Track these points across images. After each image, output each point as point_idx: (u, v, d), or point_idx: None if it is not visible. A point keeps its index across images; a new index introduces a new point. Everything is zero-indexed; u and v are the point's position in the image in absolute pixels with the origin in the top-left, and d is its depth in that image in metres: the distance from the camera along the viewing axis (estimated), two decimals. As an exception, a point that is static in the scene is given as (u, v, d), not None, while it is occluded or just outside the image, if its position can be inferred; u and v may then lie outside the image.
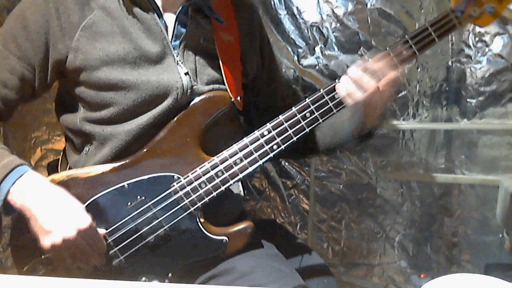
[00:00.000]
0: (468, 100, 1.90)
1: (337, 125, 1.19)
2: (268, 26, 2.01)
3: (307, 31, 1.98)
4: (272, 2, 1.99)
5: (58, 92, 1.19)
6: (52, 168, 1.24)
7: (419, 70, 1.94)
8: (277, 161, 2.12)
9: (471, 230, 2.00)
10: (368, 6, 1.91)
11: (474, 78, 1.89)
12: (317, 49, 1.99)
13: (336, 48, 1.98)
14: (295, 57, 2.01)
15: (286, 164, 2.12)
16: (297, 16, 1.98)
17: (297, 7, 1.98)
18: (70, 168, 1.17)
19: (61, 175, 1.08)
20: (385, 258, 2.12)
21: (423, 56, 1.92)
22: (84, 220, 1.00)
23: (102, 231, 1.05)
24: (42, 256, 1.07)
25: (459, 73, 1.90)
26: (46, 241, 0.99)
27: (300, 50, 2.01)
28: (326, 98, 1.05)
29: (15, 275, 0.91)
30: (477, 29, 1.85)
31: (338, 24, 1.95)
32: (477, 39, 1.86)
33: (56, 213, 0.98)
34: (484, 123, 1.90)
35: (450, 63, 1.91)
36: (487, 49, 1.86)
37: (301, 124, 1.06)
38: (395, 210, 2.06)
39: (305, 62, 2.01)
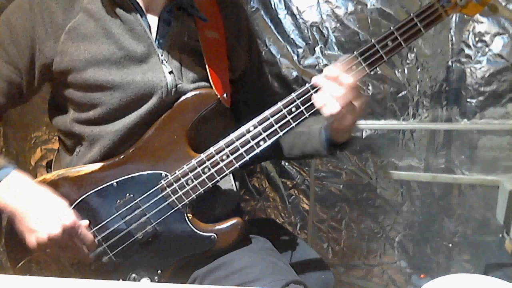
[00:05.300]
0: (468, 100, 1.91)
1: (307, 136, 1.20)
2: (268, 26, 2.01)
3: (307, 31, 1.99)
4: (272, 2, 2.00)
5: (50, 95, 1.21)
6: (50, 168, 1.25)
7: (419, 70, 1.94)
8: (277, 161, 2.12)
9: (471, 230, 2.00)
10: (368, 6, 1.91)
11: (474, 78, 1.89)
12: (317, 49, 1.99)
13: (336, 48, 1.98)
14: (295, 57, 2.01)
15: (286, 164, 2.13)
16: (297, 16, 1.98)
17: (297, 7, 1.98)
18: None
19: (52, 174, 1.10)
20: (385, 258, 2.12)
21: (423, 56, 1.93)
22: (68, 216, 1.01)
23: (85, 222, 1.06)
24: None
25: (459, 73, 1.91)
26: (32, 240, 1.00)
27: (300, 50, 2.01)
28: (312, 92, 1.06)
29: (15, 275, 0.92)
30: (477, 29, 1.86)
31: (338, 24, 1.95)
32: (477, 39, 1.86)
33: (40, 211, 1.00)
34: (484, 123, 1.90)
35: (450, 63, 1.91)
36: (487, 49, 1.86)
37: (287, 119, 1.06)
38: (395, 210, 2.06)
39: (305, 62, 2.01)
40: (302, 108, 1.06)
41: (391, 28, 1.04)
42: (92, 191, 1.08)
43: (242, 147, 1.07)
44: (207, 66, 1.12)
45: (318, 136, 1.16)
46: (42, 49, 1.07)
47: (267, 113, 1.06)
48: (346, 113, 1.03)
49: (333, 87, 1.01)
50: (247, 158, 1.07)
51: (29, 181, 1.04)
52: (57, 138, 1.24)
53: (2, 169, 1.03)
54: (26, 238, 1.01)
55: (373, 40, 1.05)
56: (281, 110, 1.06)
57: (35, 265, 1.09)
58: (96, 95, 1.06)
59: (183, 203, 1.08)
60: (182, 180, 1.07)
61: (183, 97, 1.09)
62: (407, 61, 1.94)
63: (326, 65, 1.97)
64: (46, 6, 1.06)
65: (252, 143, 1.07)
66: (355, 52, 1.05)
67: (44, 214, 1.00)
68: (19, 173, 1.04)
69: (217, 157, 1.07)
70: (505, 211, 1.77)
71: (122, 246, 1.08)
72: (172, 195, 1.08)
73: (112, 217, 1.08)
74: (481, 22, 1.85)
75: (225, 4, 1.21)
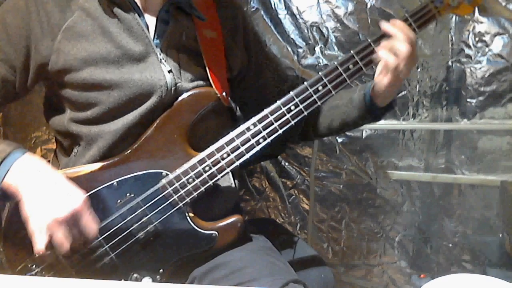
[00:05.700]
0: (468, 100, 1.91)
1: (348, 106, 1.20)
2: (268, 26, 2.01)
3: (307, 31, 1.99)
4: (272, 2, 2.00)
5: (45, 95, 1.20)
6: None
7: (419, 70, 1.94)
8: (277, 161, 2.13)
9: (471, 230, 2.00)
10: (368, 6, 1.91)
11: (474, 78, 1.89)
12: (317, 49, 1.99)
13: (336, 48, 1.98)
14: (295, 57, 2.02)
15: (286, 164, 2.13)
16: (297, 16, 1.99)
17: (297, 7, 1.98)
18: None
19: None
20: (385, 258, 2.12)
21: (423, 56, 1.93)
22: (79, 197, 0.98)
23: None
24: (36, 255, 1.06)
25: (459, 73, 1.91)
26: (37, 222, 0.95)
27: (300, 50, 2.01)
28: (310, 90, 1.07)
29: (15, 276, 0.92)
30: (477, 29, 1.86)
31: (338, 24, 1.95)
32: (477, 39, 1.86)
33: (53, 192, 0.97)
34: (484, 123, 1.90)
35: (450, 63, 1.91)
36: (487, 49, 1.86)
37: (286, 117, 1.08)
38: (395, 210, 2.07)
39: (305, 62, 2.01)
40: (300, 106, 1.07)
41: None
42: (92, 191, 1.08)
43: (242, 145, 1.07)
44: (206, 65, 1.12)
45: (361, 102, 1.16)
46: (38, 48, 1.06)
47: (266, 111, 1.08)
48: (400, 69, 1.04)
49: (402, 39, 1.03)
50: (247, 156, 1.08)
51: (42, 163, 1.01)
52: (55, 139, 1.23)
53: (15, 150, 1.00)
54: (30, 222, 0.96)
55: (369, 40, 1.05)
56: (280, 109, 1.07)
57: (35, 267, 1.09)
58: (93, 94, 1.06)
59: (185, 201, 1.08)
60: (183, 178, 1.07)
61: (182, 96, 1.09)
62: (407, 61, 1.94)
63: (326, 65, 1.98)
64: (43, 5, 1.06)
65: (253, 141, 1.07)
66: (350, 54, 1.07)
67: (56, 195, 0.96)
68: (32, 155, 1.02)
69: (217, 155, 1.07)
70: (505, 211, 1.77)
71: (123, 246, 1.08)
72: (173, 194, 1.08)
73: (113, 217, 1.08)
74: (481, 22, 1.85)
75: (223, 4, 1.22)
